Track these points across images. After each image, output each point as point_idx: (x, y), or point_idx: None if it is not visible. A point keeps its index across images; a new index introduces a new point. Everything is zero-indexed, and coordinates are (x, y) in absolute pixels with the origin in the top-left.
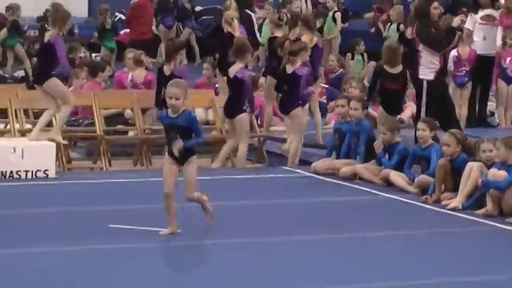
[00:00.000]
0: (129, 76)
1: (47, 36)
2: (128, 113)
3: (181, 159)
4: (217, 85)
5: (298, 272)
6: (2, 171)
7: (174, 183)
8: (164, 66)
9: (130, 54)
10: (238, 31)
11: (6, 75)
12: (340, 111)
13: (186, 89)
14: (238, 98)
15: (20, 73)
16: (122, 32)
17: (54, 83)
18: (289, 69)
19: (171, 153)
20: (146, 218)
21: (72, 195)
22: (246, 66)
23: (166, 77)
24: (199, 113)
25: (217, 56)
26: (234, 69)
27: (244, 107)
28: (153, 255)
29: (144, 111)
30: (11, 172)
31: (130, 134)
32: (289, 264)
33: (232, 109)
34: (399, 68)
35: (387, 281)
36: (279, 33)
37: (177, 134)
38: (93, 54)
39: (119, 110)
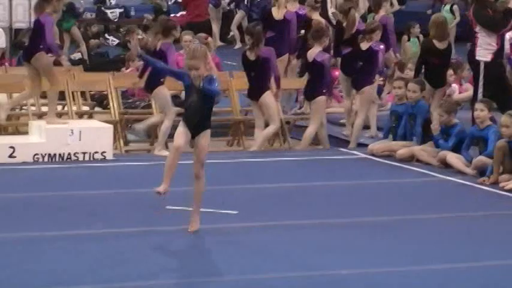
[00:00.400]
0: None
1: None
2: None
3: (195, 129)
4: None
5: (355, 254)
6: (59, 154)
7: (185, 143)
8: (247, 52)
9: (187, 36)
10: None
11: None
12: (397, 93)
13: (204, 55)
14: (317, 81)
15: (77, 55)
16: (178, 15)
17: (42, 57)
18: (365, 45)
19: (187, 121)
20: (203, 199)
21: (129, 176)
22: (325, 50)
23: (251, 62)
24: None
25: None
26: (313, 53)
27: (324, 90)
28: (212, 236)
29: None
30: (69, 154)
31: None
32: (346, 246)
33: (311, 92)
34: (446, 43)
35: (444, 263)
36: (315, 16)
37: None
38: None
39: (177, 92)
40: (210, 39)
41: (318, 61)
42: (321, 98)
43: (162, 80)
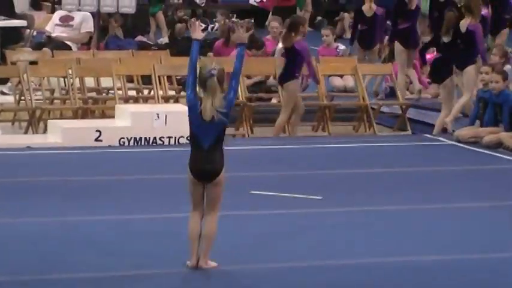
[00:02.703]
0: (280, 44)
1: None
2: (271, 80)
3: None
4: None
5: (441, 239)
6: (145, 138)
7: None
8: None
9: (274, 23)
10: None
11: (150, 42)
12: (483, 78)
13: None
14: (291, 66)
15: (164, 40)
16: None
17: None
18: (463, 27)
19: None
20: (287, 184)
21: None
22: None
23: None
24: (334, 81)
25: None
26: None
27: (296, 74)
28: (299, 220)
29: None
30: (154, 138)
31: (274, 101)
32: (432, 231)
33: (442, 73)
34: None
35: None
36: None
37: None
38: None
39: (262, 78)
40: (277, 22)
41: (297, 48)
42: (293, 82)
43: (297, 74)
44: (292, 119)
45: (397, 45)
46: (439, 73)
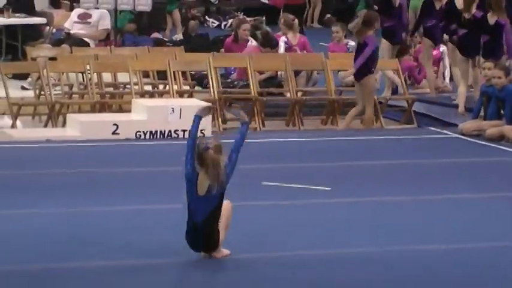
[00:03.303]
0: (284, 38)
1: None
2: (281, 75)
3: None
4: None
5: (443, 229)
6: (161, 131)
7: None
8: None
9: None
10: None
11: (165, 39)
12: (486, 74)
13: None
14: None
15: (178, 36)
16: None
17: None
18: (492, 19)
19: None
20: (296, 176)
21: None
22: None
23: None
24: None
25: None
26: None
27: None
28: (308, 211)
29: (296, 73)
30: (169, 131)
31: (288, 95)
32: (435, 221)
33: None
34: None
35: None
36: None
37: None
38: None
39: (272, 74)
40: (296, 20)
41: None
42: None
43: (372, 69)
44: (352, 111)
45: (384, 42)
46: (467, 49)
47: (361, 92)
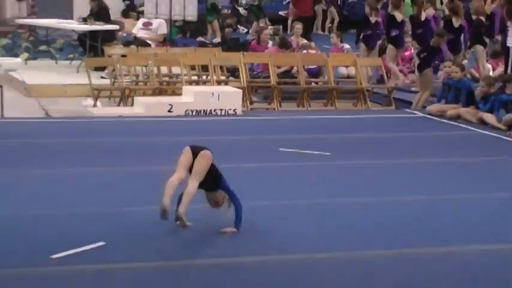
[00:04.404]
0: (293, 42)
1: None
2: (294, 69)
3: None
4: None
5: (415, 184)
6: (204, 110)
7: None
8: None
9: (298, 25)
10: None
11: (207, 42)
12: (447, 71)
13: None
14: None
15: (217, 40)
16: (289, 11)
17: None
18: (456, 23)
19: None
20: (305, 144)
21: (253, 127)
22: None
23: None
24: (340, 70)
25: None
26: None
27: None
28: (313, 170)
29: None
30: (210, 110)
31: (313, 84)
32: (408, 178)
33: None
34: None
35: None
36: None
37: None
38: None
39: (287, 68)
40: (300, 25)
41: None
42: (429, 70)
43: (432, 64)
44: (424, 96)
45: (362, 46)
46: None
47: (422, 81)
